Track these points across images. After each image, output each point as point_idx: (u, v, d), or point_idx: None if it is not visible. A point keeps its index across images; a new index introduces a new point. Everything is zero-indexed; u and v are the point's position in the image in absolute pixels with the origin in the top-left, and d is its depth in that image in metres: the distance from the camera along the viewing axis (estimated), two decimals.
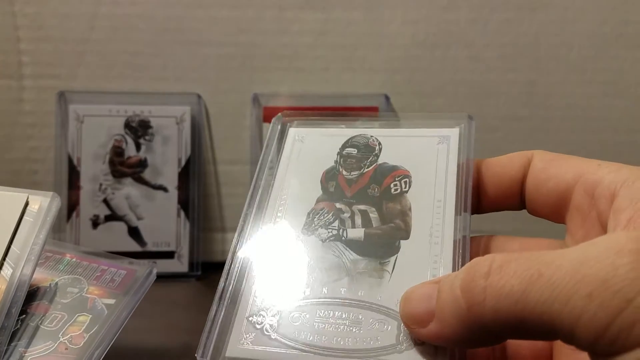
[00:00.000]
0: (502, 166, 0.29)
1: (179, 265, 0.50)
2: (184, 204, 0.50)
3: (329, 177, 0.32)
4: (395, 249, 0.29)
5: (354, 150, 0.33)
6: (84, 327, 0.32)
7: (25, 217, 0.32)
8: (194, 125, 0.51)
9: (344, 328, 0.27)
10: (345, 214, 0.31)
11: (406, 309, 0.25)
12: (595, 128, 0.52)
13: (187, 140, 0.51)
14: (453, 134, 0.32)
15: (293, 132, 0.35)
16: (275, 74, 0.52)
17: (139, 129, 0.50)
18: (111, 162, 0.50)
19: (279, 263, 0.29)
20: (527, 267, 0.20)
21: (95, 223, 0.50)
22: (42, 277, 0.35)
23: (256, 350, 0.27)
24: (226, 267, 0.29)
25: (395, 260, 0.28)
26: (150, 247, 0.50)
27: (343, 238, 0.30)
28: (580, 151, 0.53)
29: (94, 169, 0.50)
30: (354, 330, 0.26)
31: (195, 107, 0.51)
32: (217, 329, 0.28)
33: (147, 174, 0.50)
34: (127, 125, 0.50)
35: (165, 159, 0.50)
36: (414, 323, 0.24)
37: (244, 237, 0.31)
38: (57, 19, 0.51)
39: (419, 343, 0.25)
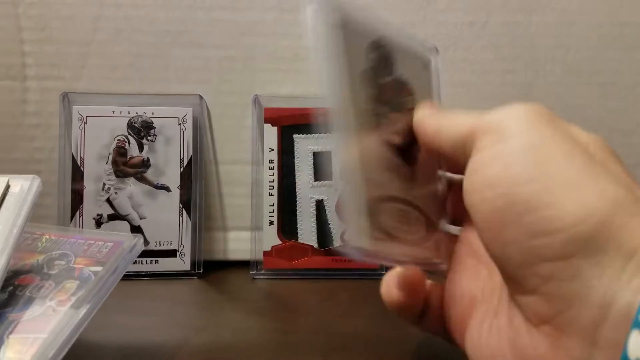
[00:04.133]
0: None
1: (181, 263, 0.50)
2: (186, 203, 0.51)
3: (362, 77, 0.31)
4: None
5: (375, 55, 0.32)
6: (71, 292, 0.33)
7: (7, 198, 0.34)
8: (196, 126, 0.51)
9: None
10: (383, 119, 0.31)
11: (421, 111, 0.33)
12: (592, 129, 0.52)
13: (189, 140, 0.51)
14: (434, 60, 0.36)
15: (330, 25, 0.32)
16: (276, 75, 0.52)
17: (141, 130, 0.51)
18: (114, 163, 0.51)
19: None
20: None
21: (98, 222, 0.50)
22: (30, 255, 0.36)
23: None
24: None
25: None
26: (153, 246, 0.50)
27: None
28: None
29: (97, 169, 0.50)
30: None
31: (197, 108, 0.52)
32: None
33: (149, 174, 0.51)
34: (130, 126, 0.51)
35: (168, 159, 0.51)
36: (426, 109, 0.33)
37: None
38: (61, 21, 0.52)
39: None
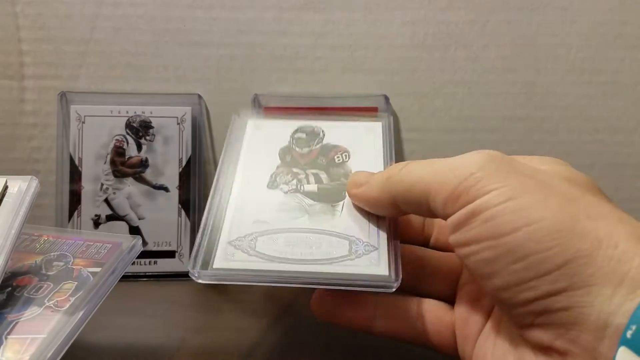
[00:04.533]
0: None
1: (180, 264, 0.50)
2: (185, 203, 0.51)
3: (284, 151, 0.42)
4: (342, 197, 0.38)
5: (303, 135, 0.43)
6: (69, 293, 0.33)
7: (4, 199, 0.34)
8: (195, 125, 0.51)
9: (307, 247, 0.34)
10: (301, 175, 0.40)
11: (351, 178, 0.37)
12: (593, 128, 0.52)
13: (188, 140, 0.51)
14: (377, 126, 0.44)
15: (251, 123, 0.45)
16: (275, 74, 0.52)
17: (140, 129, 0.51)
18: (112, 162, 0.50)
19: (251, 206, 0.37)
20: (425, 162, 0.31)
21: (96, 223, 0.50)
22: (28, 256, 0.36)
23: (238, 262, 0.33)
24: (207, 206, 0.37)
25: (343, 204, 0.37)
26: (151, 247, 0.50)
27: (301, 190, 0.38)
28: (579, 151, 0.54)
29: (95, 169, 0.50)
30: (315, 247, 0.34)
31: (196, 108, 0.52)
32: (204, 251, 0.34)
33: (148, 174, 0.51)
34: (128, 125, 0.51)
35: (166, 159, 0.51)
36: (353, 186, 0.36)
37: (219, 189, 0.39)
38: (59, 20, 0.52)
39: (366, 254, 0.33)
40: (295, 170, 0.40)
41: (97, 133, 0.50)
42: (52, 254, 0.36)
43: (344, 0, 0.52)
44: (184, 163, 0.51)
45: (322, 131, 0.43)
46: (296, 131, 0.43)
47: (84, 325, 0.31)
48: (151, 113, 0.51)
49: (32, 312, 0.32)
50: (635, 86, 0.52)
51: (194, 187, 0.51)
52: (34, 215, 0.34)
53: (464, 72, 0.52)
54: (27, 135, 0.52)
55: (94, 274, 0.34)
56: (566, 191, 0.27)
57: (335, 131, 0.44)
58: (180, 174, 0.51)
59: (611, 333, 0.24)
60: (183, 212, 0.51)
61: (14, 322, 0.31)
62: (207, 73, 0.52)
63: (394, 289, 0.32)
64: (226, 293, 0.48)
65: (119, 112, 0.51)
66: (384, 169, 0.38)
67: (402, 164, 0.33)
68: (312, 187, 0.39)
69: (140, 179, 0.51)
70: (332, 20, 0.52)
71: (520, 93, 0.52)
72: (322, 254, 0.33)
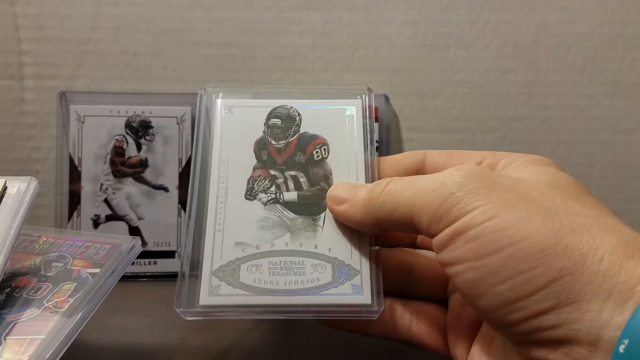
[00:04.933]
0: (397, 160, 0.38)
1: (180, 264, 0.50)
2: (185, 203, 0.50)
3: (260, 146, 0.39)
4: (322, 207, 0.37)
5: (278, 121, 0.40)
6: (68, 294, 0.33)
7: (4, 200, 0.34)
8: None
9: (290, 273, 0.34)
10: (279, 180, 0.38)
11: (332, 192, 0.36)
12: (594, 128, 0.52)
13: (188, 140, 0.51)
14: (357, 104, 0.41)
15: (220, 104, 0.41)
16: (275, 74, 0.52)
17: (139, 129, 0.51)
18: (112, 162, 0.50)
19: (232, 225, 0.36)
20: (406, 181, 0.31)
21: (96, 223, 0.50)
22: (27, 256, 0.36)
23: (224, 297, 0.33)
24: (183, 235, 0.37)
25: (324, 216, 0.36)
26: (151, 247, 0.50)
27: (280, 201, 0.37)
28: (579, 151, 0.54)
29: (95, 169, 0.50)
30: (299, 273, 0.34)
31: (195, 108, 0.51)
32: (187, 285, 0.35)
33: (147, 174, 0.51)
34: (128, 125, 0.51)
35: (166, 159, 0.51)
36: (333, 202, 0.35)
37: (193, 205, 0.37)
38: (58, 20, 0.51)
39: (349, 279, 0.34)
40: (273, 172, 0.38)
41: (96, 133, 0.50)
42: (51, 254, 0.36)
43: (344, 0, 0.52)
44: (183, 163, 0.51)
45: (299, 114, 0.40)
46: (271, 114, 0.40)
47: (82, 326, 0.31)
48: (151, 113, 0.51)
49: (31, 312, 0.32)
50: (635, 86, 0.52)
51: None
52: (33, 215, 0.34)
53: (464, 72, 0.52)
54: (26, 135, 0.52)
55: (93, 274, 0.34)
56: (549, 204, 0.27)
57: (310, 114, 0.41)
58: (180, 174, 0.51)
59: (604, 346, 0.24)
60: (183, 212, 0.50)
61: (12, 323, 0.31)
62: (207, 73, 0.52)
63: (375, 317, 0.33)
64: None
65: (119, 112, 0.51)
66: (364, 161, 0.38)
67: (382, 182, 0.32)
68: (292, 195, 0.37)
69: (139, 179, 0.51)
70: (332, 20, 0.52)
71: (520, 93, 0.52)
72: (306, 281, 0.34)
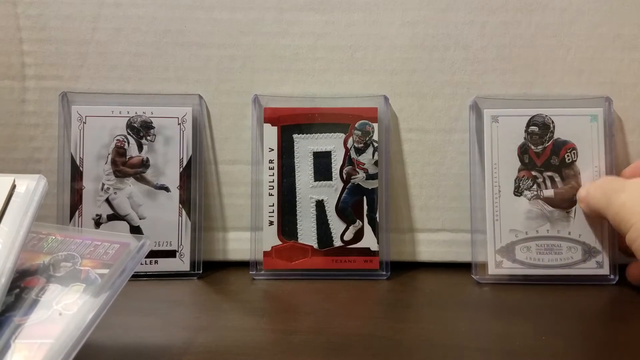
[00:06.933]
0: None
1: (181, 264, 0.50)
2: (186, 203, 0.51)
3: (522, 151, 0.49)
4: (574, 202, 0.49)
5: (536, 129, 0.49)
6: (77, 295, 0.33)
7: (13, 199, 0.33)
8: (196, 125, 0.51)
9: (552, 253, 0.48)
10: (539, 179, 0.49)
11: (580, 194, 0.48)
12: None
13: (189, 140, 0.51)
14: (599, 113, 0.49)
15: (488, 113, 0.50)
16: (275, 75, 0.52)
17: (141, 130, 0.51)
18: (113, 162, 0.51)
19: (506, 216, 0.48)
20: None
21: (97, 222, 0.50)
22: (36, 255, 0.36)
23: (505, 269, 0.48)
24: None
25: (575, 209, 0.49)
26: (152, 246, 0.50)
27: (541, 197, 0.49)
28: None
29: (96, 169, 0.50)
30: (557, 252, 0.48)
31: (196, 108, 0.52)
32: (477, 259, 0.49)
33: (149, 174, 0.51)
34: (129, 125, 0.51)
35: (167, 159, 0.51)
36: (581, 200, 0.48)
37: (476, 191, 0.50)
38: (60, 21, 0.52)
39: (594, 257, 0.48)
40: (534, 173, 0.49)
41: (98, 133, 0.51)
42: (60, 253, 0.35)
43: (344, 1, 0.52)
44: (184, 163, 0.51)
45: (552, 121, 0.49)
46: (529, 123, 0.49)
47: (92, 329, 0.31)
48: (152, 113, 0.51)
49: (39, 315, 0.32)
50: (634, 87, 0.52)
51: (195, 187, 0.51)
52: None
53: (463, 72, 0.52)
54: (28, 135, 0.52)
55: (101, 275, 0.34)
56: None
57: (561, 121, 0.49)
58: (181, 174, 0.51)
59: None
60: (184, 212, 0.51)
61: (21, 326, 0.31)
62: (208, 73, 0.52)
63: (614, 283, 0.48)
64: (226, 293, 0.48)
65: (120, 113, 0.51)
66: (605, 165, 0.49)
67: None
68: (550, 192, 0.49)
69: (141, 179, 0.51)
70: (331, 21, 0.52)
71: (519, 94, 0.52)
72: (563, 259, 0.48)
